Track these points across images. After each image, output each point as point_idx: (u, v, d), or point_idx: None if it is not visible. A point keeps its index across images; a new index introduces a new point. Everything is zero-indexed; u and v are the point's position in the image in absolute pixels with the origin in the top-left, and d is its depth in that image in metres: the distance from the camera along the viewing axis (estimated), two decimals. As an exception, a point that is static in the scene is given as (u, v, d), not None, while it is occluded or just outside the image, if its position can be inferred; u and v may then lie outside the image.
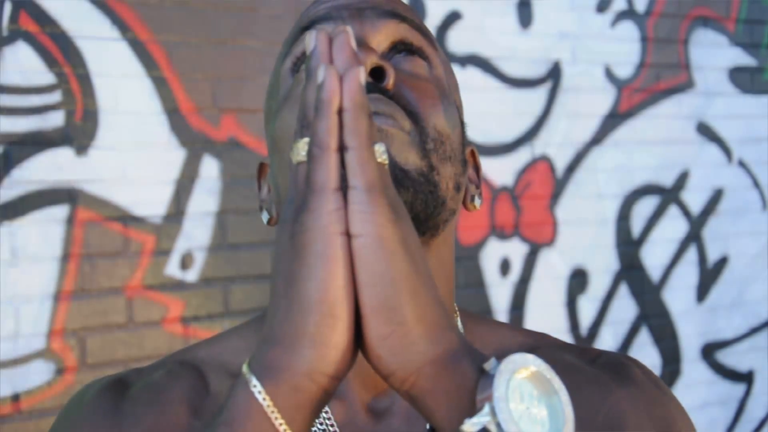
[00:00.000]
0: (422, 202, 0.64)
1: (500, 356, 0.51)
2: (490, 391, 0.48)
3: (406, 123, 0.65)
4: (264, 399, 0.50)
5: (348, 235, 0.50)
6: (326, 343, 0.50)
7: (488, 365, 0.50)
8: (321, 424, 0.69)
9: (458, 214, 0.71)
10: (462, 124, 0.73)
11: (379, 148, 0.51)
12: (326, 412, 0.70)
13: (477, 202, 0.74)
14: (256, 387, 0.51)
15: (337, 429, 0.69)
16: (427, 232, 0.66)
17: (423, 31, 0.72)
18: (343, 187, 0.51)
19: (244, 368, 0.52)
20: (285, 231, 0.52)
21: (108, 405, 0.69)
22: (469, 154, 0.76)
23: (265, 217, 0.75)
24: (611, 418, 0.69)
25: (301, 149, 0.52)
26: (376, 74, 0.65)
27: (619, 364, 0.75)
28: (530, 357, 0.50)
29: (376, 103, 0.63)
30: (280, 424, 0.50)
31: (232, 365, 0.72)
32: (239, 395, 0.51)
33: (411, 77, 0.68)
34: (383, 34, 0.68)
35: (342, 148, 0.51)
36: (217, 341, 0.77)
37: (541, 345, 0.77)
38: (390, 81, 0.65)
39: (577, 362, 0.74)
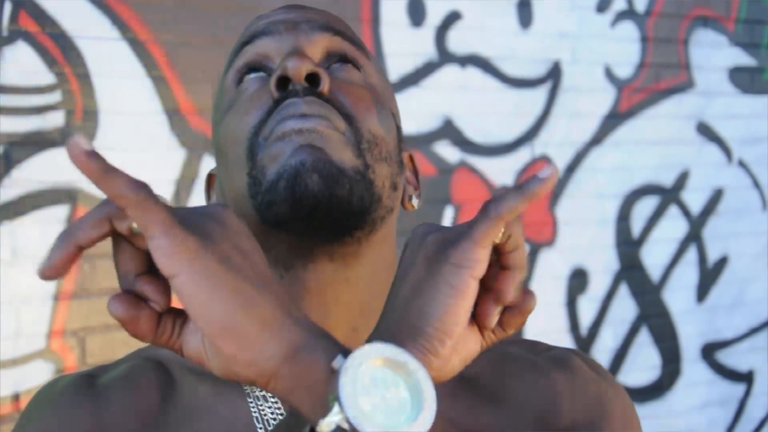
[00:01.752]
0: (358, 197, 0.67)
1: None
2: (337, 390, 0.48)
3: (341, 124, 0.69)
4: None
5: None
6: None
7: (336, 363, 0.51)
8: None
9: (396, 212, 0.75)
10: (398, 129, 0.77)
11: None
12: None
13: (415, 201, 0.79)
14: None
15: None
16: (365, 226, 0.69)
17: (356, 43, 0.77)
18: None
19: None
20: None
21: (82, 395, 0.72)
22: (408, 159, 0.81)
23: None
24: (544, 400, 0.73)
25: None
26: (312, 80, 0.70)
27: (562, 353, 0.78)
28: (380, 346, 0.51)
29: (312, 105, 0.68)
30: None
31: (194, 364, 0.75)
32: None
33: (346, 84, 0.73)
34: (318, 46, 0.74)
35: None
36: None
37: None
38: (325, 86, 0.70)
39: (520, 353, 0.78)
